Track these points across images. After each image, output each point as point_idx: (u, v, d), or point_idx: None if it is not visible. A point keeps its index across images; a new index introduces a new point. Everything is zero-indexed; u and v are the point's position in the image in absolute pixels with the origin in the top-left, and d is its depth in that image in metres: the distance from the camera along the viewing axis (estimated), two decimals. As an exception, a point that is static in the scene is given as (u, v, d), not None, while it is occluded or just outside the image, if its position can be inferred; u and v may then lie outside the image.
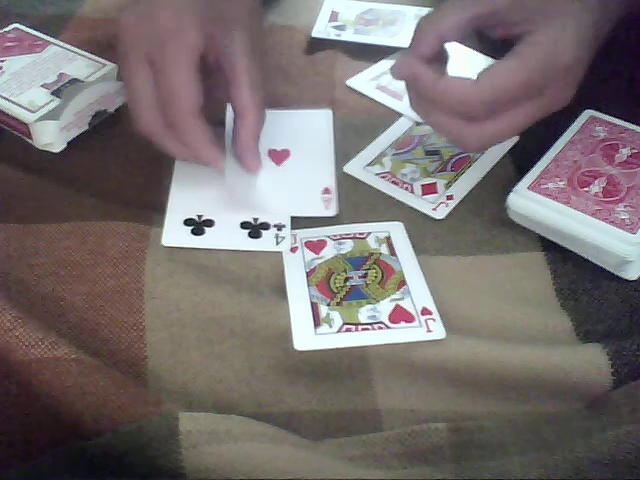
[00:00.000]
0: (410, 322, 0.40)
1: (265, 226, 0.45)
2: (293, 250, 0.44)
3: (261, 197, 0.47)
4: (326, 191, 0.48)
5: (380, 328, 0.39)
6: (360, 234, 0.45)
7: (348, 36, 0.62)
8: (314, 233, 0.45)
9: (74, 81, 0.53)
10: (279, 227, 0.45)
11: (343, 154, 0.51)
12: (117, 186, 0.49)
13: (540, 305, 0.42)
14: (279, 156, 0.50)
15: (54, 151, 0.51)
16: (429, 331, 0.39)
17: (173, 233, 0.44)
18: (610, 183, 0.45)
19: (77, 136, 0.52)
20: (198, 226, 0.45)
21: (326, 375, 0.39)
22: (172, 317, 0.40)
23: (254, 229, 0.45)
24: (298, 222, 0.46)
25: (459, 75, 0.42)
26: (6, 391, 0.36)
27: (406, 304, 0.41)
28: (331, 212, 0.47)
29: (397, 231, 0.46)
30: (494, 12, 0.43)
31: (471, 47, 0.61)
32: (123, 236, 0.44)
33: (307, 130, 0.53)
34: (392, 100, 0.56)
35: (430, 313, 0.40)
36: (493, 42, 0.62)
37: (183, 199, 0.47)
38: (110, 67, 0.54)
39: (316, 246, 0.44)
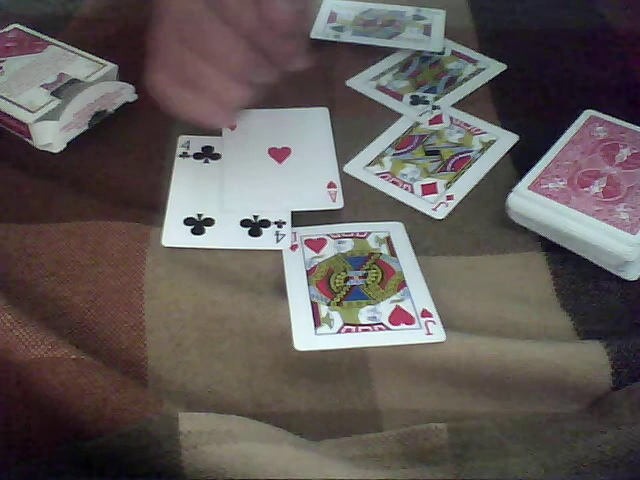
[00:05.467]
0: (410, 324, 0.40)
1: (265, 223, 0.45)
2: (293, 248, 0.44)
3: (262, 195, 0.48)
4: (331, 185, 0.48)
5: (380, 329, 0.39)
6: (360, 234, 0.45)
7: (347, 37, 0.62)
8: (314, 231, 0.45)
9: (74, 81, 0.53)
10: (279, 224, 0.45)
11: (343, 154, 0.51)
12: (117, 186, 0.49)
13: (540, 305, 0.42)
14: (280, 154, 0.51)
15: (54, 151, 0.51)
16: (429, 334, 0.39)
17: (173, 233, 0.44)
18: (610, 183, 0.45)
19: (77, 136, 0.52)
20: (198, 225, 0.45)
21: (326, 375, 0.39)
22: (172, 317, 0.40)
23: (254, 227, 0.45)
24: (299, 220, 0.46)
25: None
26: (6, 391, 0.36)
27: (406, 306, 0.41)
28: (338, 205, 0.47)
29: (397, 231, 0.46)
30: None
31: (471, 47, 0.62)
32: (123, 236, 0.43)
33: (305, 127, 0.53)
34: (392, 100, 0.56)
35: (430, 315, 0.40)
36: (493, 42, 0.62)
37: (183, 199, 0.47)
38: (110, 67, 0.54)
39: (316, 244, 0.44)
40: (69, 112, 0.50)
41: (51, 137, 0.50)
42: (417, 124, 0.54)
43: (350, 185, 0.49)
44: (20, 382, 0.35)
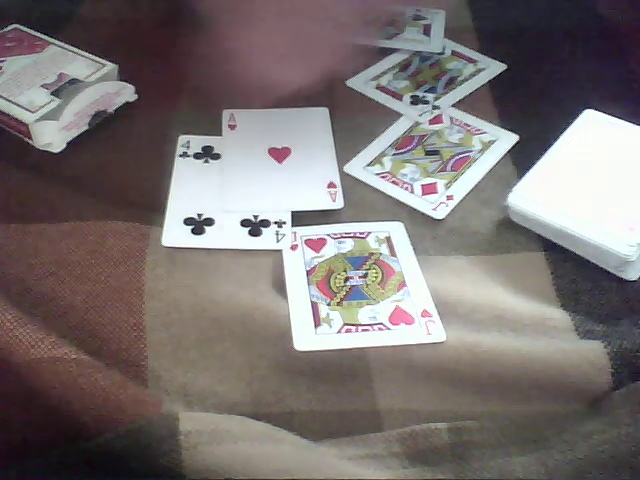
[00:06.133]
0: (410, 324, 0.40)
1: (265, 223, 0.45)
2: (293, 248, 0.44)
3: (261, 195, 0.48)
4: (331, 185, 0.48)
5: (380, 329, 0.39)
6: (360, 233, 0.45)
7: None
8: (314, 231, 0.45)
9: (74, 81, 0.53)
10: (279, 224, 0.45)
11: (343, 154, 0.51)
12: (117, 186, 0.49)
13: (540, 305, 0.42)
14: (280, 154, 0.51)
15: (54, 151, 0.51)
16: (429, 334, 0.39)
17: (173, 233, 0.44)
18: (610, 183, 0.45)
19: (77, 136, 0.52)
20: (198, 225, 0.45)
21: (326, 375, 0.39)
22: (172, 317, 0.40)
23: (254, 227, 0.45)
24: (299, 220, 0.46)
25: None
26: (6, 391, 0.36)
27: (406, 305, 0.41)
28: (338, 205, 0.47)
29: (397, 231, 0.46)
30: None
31: (471, 47, 0.62)
32: (123, 236, 0.43)
33: (305, 127, 0.53)
34: (392, 100, 0.56)
35: (430, 315, 0.40)
36: (493, 42, 0.62)
37: (183, 199, 0.47)
38: (110, 67, 0.54)
39: (316, 244, 0.44)
40: (69, 112, 0.50)
41: (51, 137, 0.50)
42: (417, 124, 0.54)
43: (350, 185, 0.49)
44: (20, 382, 0.35)
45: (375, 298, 0.41)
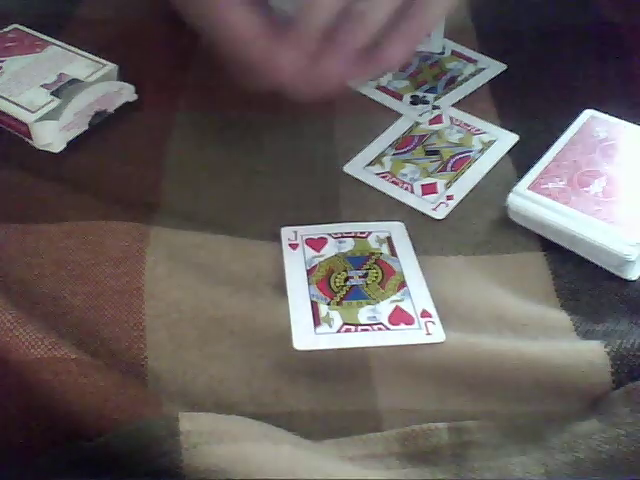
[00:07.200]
0: (410, 324, 0.40)
1: None
2: (294, 247, 0.44)
3: None
4: None
5: (380, 329, 0.39)
6: (361, 233, 0.45)
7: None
8: (315, 230, 0.45)
9: (74, 81, 0.53)
10: None
11: (343, 154, 0.51)
12: (117, 186, 0.49)
13: (540, 305, 0.42)
14: None
15: (54, 151, 0.51)
16: (428, 334, 0.39)
17: None
18: (610, 183, 0.45)
19: (77, 136, 0.52)
20: None
21: (326, 375, 0.39)
22: (172, 317, 0.40)
23: None
24: (299, 219, 0.46)
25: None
26: (6, 391, 0.36)
27: (406, 306, 0.41)
28: None
29: (398, 231, 0.46)
30: None
31: (471, 47, 0.62)
32: (123, 236, 0.43)
33: None
34: (392, 100, 0.56)
35: (430, 316, 0.40)
36: (493, 42, 0.62)
37: None
38: (110, 67, 0.54)
39: (317, 243, 0.44)
40: (69, 112, 0.50)
41: (51, 137, 0.50)
42: (417, 124, 0.54)
43: (350, 185, 0.49)
44: (20, 382, 0.35)
45: (375, 298, 0.41)
